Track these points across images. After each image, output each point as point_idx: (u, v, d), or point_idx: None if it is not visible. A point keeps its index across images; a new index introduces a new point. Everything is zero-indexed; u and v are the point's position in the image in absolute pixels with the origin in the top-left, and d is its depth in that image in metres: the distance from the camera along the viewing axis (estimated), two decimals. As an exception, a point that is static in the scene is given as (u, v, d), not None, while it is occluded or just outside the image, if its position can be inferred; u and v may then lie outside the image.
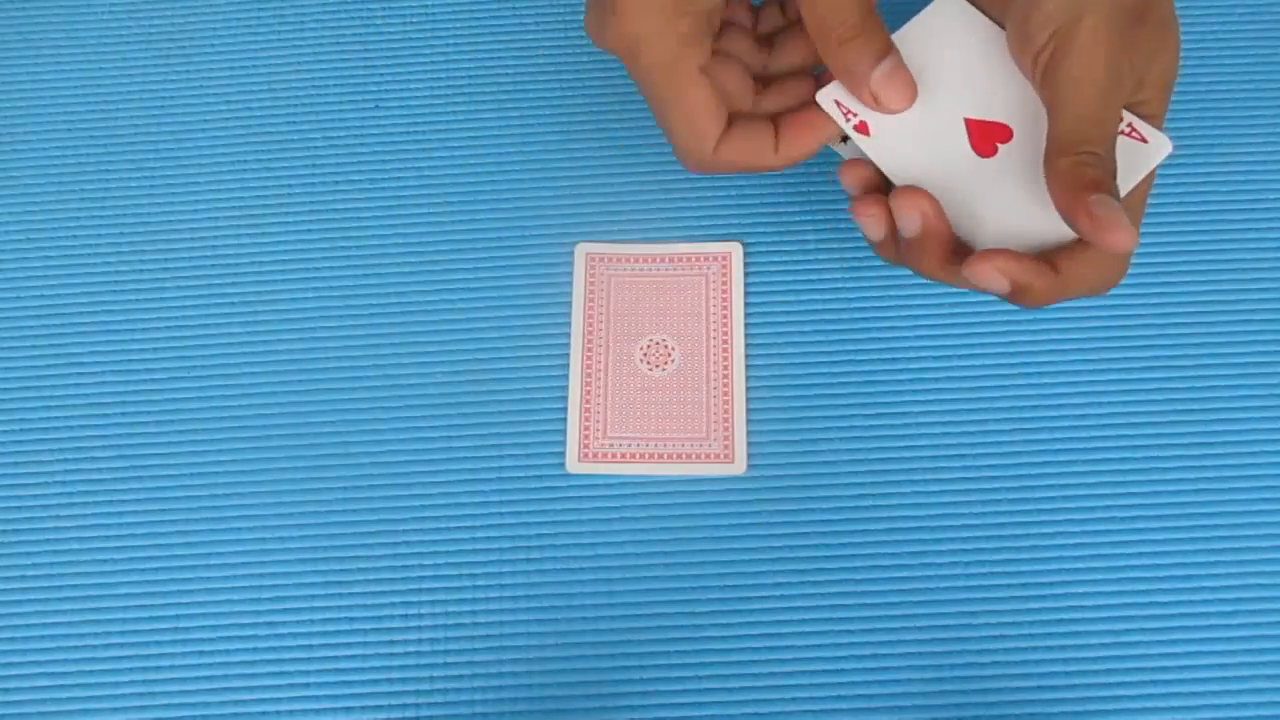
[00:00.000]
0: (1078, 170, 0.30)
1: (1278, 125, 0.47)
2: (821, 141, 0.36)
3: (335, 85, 0.49)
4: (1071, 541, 0.41)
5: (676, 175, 0.47)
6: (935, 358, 0.44)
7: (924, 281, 0.45)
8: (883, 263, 0.45)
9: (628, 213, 0.46)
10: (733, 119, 0.36)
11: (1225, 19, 0.49)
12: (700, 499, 0.42)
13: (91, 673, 0.41)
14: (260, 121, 0.49)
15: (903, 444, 0.43)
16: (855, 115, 0.35)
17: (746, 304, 0.45)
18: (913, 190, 0.33)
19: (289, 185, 0.48)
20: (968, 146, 0.34)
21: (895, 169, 0.34)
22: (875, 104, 0.34)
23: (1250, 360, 0.44)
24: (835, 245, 0.46)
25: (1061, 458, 0.42)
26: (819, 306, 0.45)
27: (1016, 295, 0.33)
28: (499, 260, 0.46)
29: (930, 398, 0.43)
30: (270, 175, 0.48)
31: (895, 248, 0.35)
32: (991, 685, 0.40)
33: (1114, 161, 0.31)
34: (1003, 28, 0.34)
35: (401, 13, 0.50)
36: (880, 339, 0.44)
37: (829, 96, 0.35)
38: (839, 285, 0.45)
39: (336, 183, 0.48)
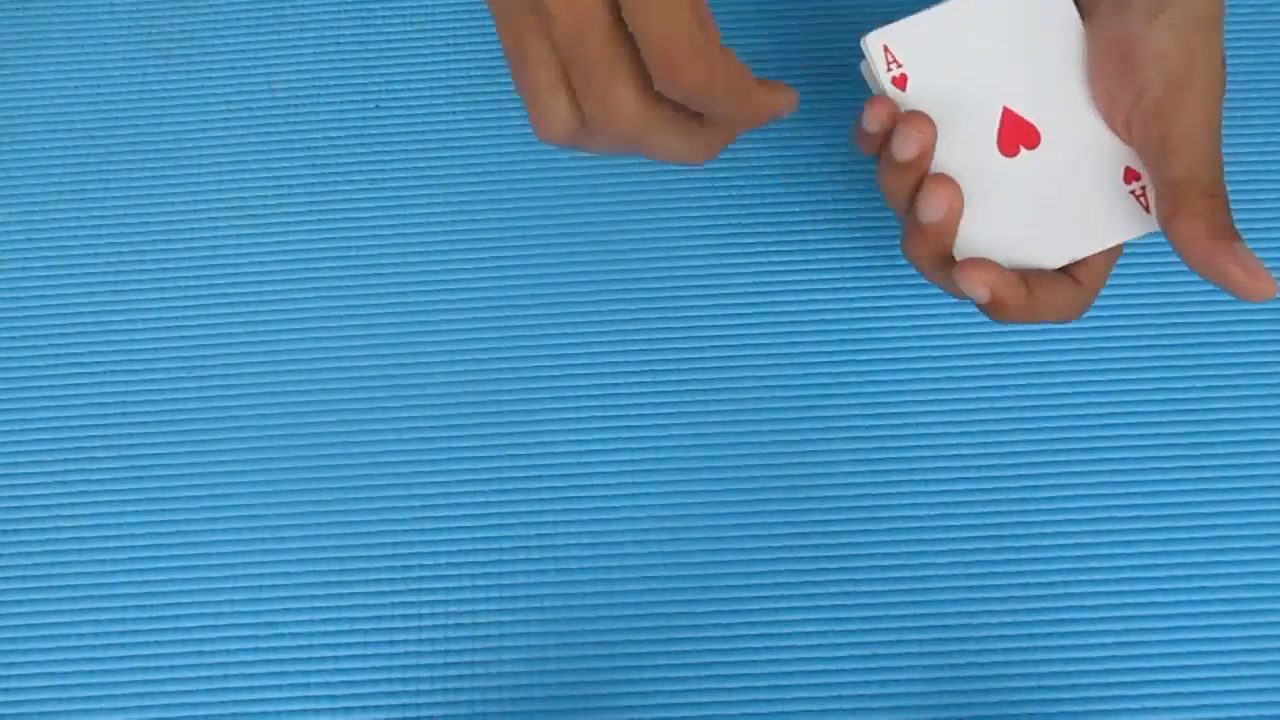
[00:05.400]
0: (1218, 216, 0.30)
1: (1278, 125, 0.47)
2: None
3: (335, 85, 0.49)
4: (1071, 541, 0.41)
5: (676, 176, 0.47)
6: (935, 358, 0.44)
7: (925, 282, 0.45)
8: (881, 263, 0.45)
9: (628, 212, 0.46)
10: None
11: (1225, 19, 0.49)
12: (700, 498, 0.42)
13: (91, 673, 0.41)
14: (260, 121, 0.49)
15: (903, 444, 0.43)
16: (899, 66, 0.33)
17: (749, 300, 0.45)
18: (949, 181, 0.32)
19: (289, 185, 0.48)
20: (994, 138, 0.33)
21: None
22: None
23: (1250, 360, 0.44)
24: (835, 245, 0.46)
25: (1061, 458, 0.42)
26: (819, 306, 0.45)
27: (991, 308, 0.33)
28: (499, 260, 0.46)
29: (930, 398, 0.43)
30: (270, 175, 0.48)
31: (904, 196, 0.34)
32: (991, 685, 0.40)
33: None
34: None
35: (401, 13, 0.50)
36: (880, 339, 0.44)
37: (879, 41, 0.33)
38: (839, 285, 0.45)
39: (336, 183, 0.48)
